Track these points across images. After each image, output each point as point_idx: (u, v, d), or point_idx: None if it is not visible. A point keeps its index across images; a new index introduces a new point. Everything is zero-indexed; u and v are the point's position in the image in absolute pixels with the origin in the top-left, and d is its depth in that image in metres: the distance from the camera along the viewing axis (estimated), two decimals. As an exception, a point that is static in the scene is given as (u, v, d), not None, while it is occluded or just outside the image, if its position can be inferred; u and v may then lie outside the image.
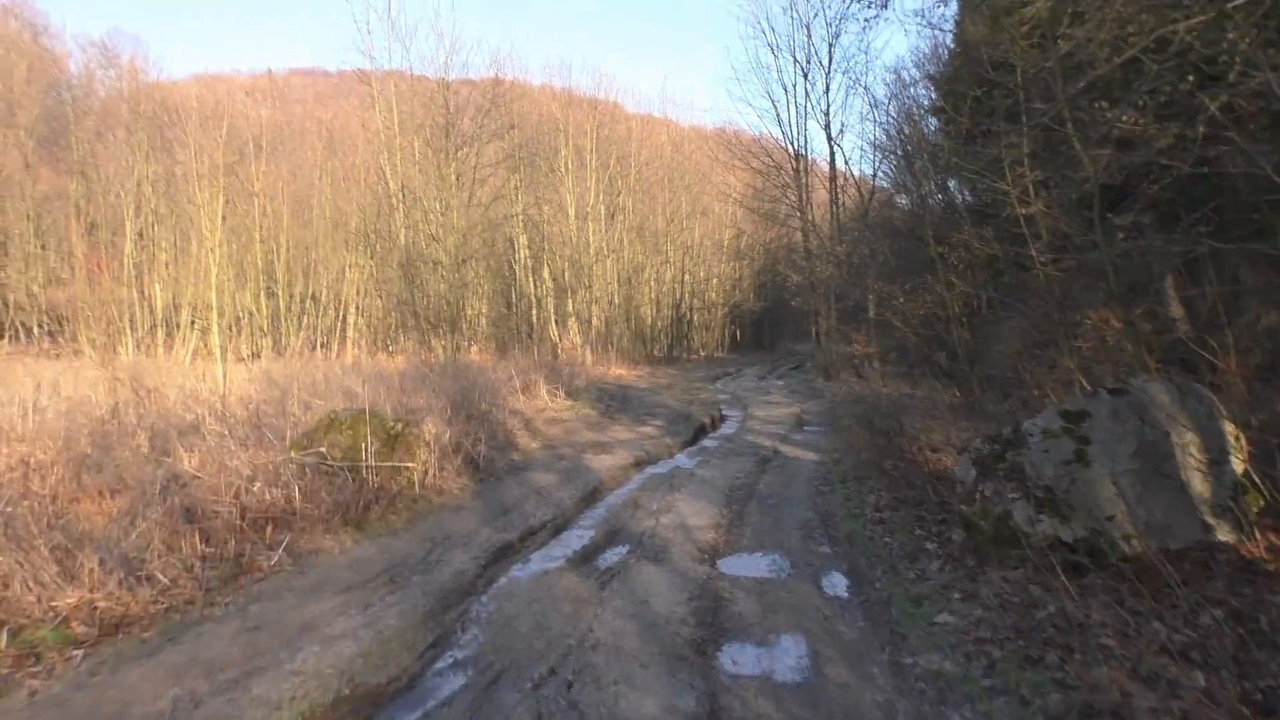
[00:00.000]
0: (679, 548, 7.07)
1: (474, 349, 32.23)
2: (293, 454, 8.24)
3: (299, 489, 7.49)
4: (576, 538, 7.62)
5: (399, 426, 8.90)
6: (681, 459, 12.44)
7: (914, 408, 15.03)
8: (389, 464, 8.53)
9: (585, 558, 6.88)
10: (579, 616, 5.32)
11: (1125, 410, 5.78)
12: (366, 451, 8.40)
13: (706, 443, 14.22)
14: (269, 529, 6.81)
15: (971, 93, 11.62)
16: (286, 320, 34.68)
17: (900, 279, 15.97)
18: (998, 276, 14.16)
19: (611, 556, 6.92)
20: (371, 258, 26.95)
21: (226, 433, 9.14)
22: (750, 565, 6.73)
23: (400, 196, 27.48)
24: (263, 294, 33.90)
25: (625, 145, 41.97)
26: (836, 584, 6.12)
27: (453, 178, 27.50)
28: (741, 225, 48.38)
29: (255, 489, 7.38)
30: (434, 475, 9.17)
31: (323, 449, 8.26)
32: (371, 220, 27.54)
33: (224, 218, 26.62)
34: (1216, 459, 5.76)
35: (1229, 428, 5.93)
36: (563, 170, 37.16)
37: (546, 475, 10.44)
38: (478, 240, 29.81)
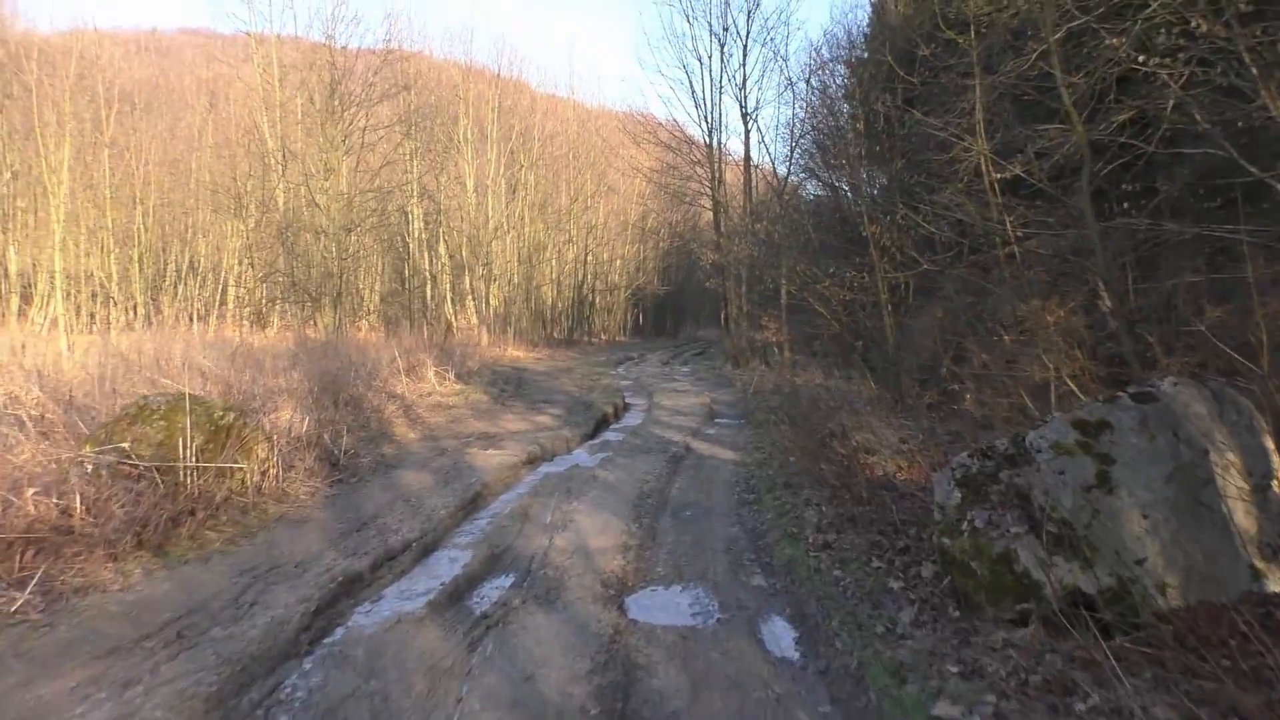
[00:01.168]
0: (577, 579, 5.56)
1: (363, 326, 30.07)
2: (87, 450, 6.42)
3: (81, 498, 5.68)
4: (448, 563, 6.03)
5: (229, 417, 7.11)
6: (581, 455, 10.92)
7: (834, 401, 13.89)
8: (214, 464, 6.76)
9: (455, 595, 5.30)
10: (434, 703, 3.76)
11: (1156, 421, 4.51)
12: (185, 448, 6.61)
13: (609, 436, 12.73)
14: (22, 555, 5.02)
15: (910, 59, 10.40)
16: (161, 290, 31.73)
17: (822, 262, 14.76)
18: (922, 263, 13.11)
19: (490, 593, 5.36)
20: (246, 223, 24.38)
21: (25, 419, 7.26)
22: (668, 605, 5.27)
23: (279, 157, 25.10)
24: (137, 262, 30.86)
25: (529, 118, 40.02)
26: (781, 638, 4.70)
27: (338, 139, 25.23)
28: (648, 205, 46.82)
29: (22, 498, 5.55)
30: (276, 477, 7.43)
31: (125, 445, 6.45)
32: (246, 183, 24.98)
33: (70, 171, 23.66)
34: (1260, 484, 4.55)
35: (1269, 443, 4.74)
36: (461, 141, 35.02)
37: (421, 475, 8.79)
38: (366, 209, 27.58)
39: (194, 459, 6.63)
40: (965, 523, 4.73)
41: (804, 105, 24.86)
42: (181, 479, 6.50)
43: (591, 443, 12.00)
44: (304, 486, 7.64)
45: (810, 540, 6.30)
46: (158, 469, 6.39)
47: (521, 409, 15.06)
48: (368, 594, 5.33)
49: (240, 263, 28.28)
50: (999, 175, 7.24)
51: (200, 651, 4.19)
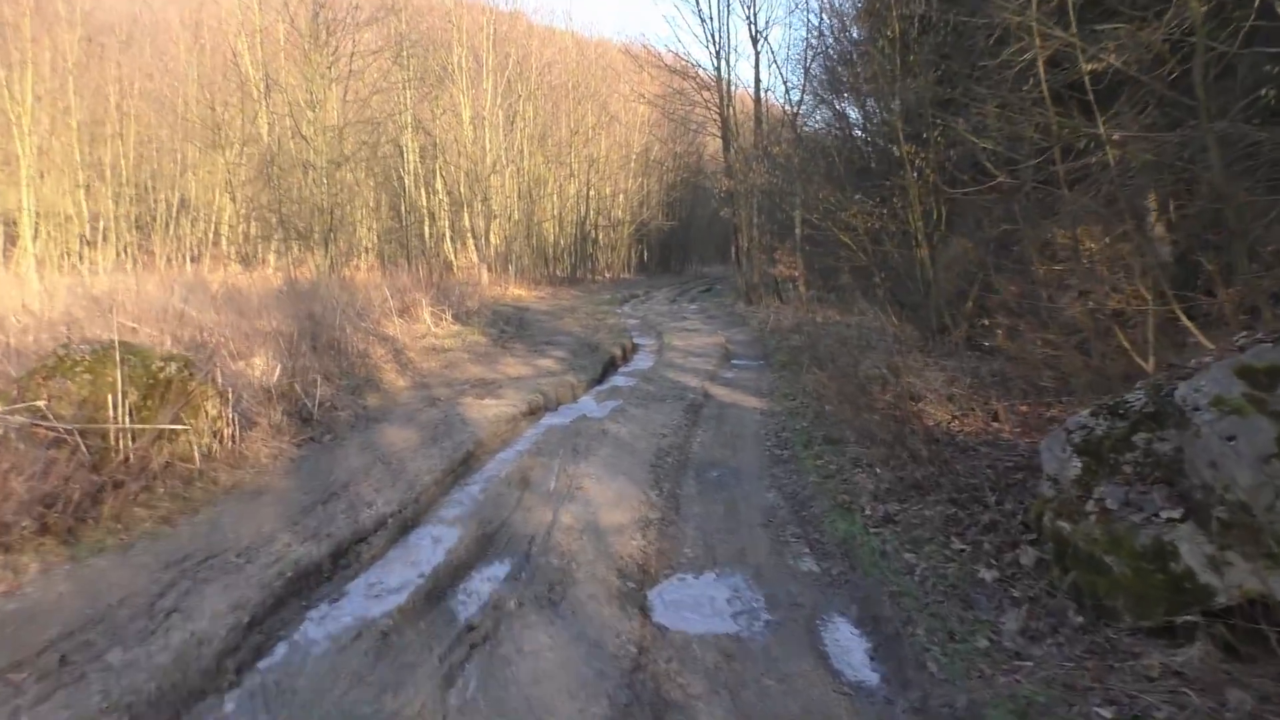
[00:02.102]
0: (588, 569, 4.48)
1: (360, 265, 28.85)
2: (-4, 409, 5.31)
3: (-25, 471, 4.60)
4: (430, 545, 4.96)
5: (171, 368, 5.97)
6: (588, 404, 9.83)
7: (861, 341, 12.78)
8: (150, 425, 5.65)
9: (435, 593, 4.23)
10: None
11: (1359, 368, 3.38)
12: (115, 407, 5.50)
13: (618, 380, 11.62)
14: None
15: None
16: (152, 229, 30.39)
17: (847, 189, 13.47)
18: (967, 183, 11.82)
19: (479, 588, 4.29)
20: (226, 156, 22.92)
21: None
22: (702, 602, 4.21)
23: (260, 86, 23.63)
24: (112, 199, 29.44)
25: (526, 45, 38.18)
26: (851, 651, 3.64)
27: (324, 67, 23.71)
28: (652, 135, 44.94)
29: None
30: (231, 438, 6.33)
31: (40, 403, 5.33)
32: (224, 112, 23.44)
33: (40, 103, 22.23)
34: None
35: None
36: (455, 70, 33.31)
37: (406, 431, 7.68)
38: (356, 141, 26.17)
39: (126, 419, 5.52)
40: (1091, 502, 3.62)
41: (815, 26, 23.30)
42: (110, 443, 5.40)
43: (599, 389, 10.90)
44: (266, 448, 6.54)
45: (868, 512, 5.19)
46: (80, 432, 5.28)
47: (523, 351, 13.94)
48: (327, 591, 4.26)
49: (234, 201, 26.84)
50: (1088, 68, 5.98)
51: (84, 688, 3.11)
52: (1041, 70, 8.37)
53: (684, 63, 26.29)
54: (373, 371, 10.76)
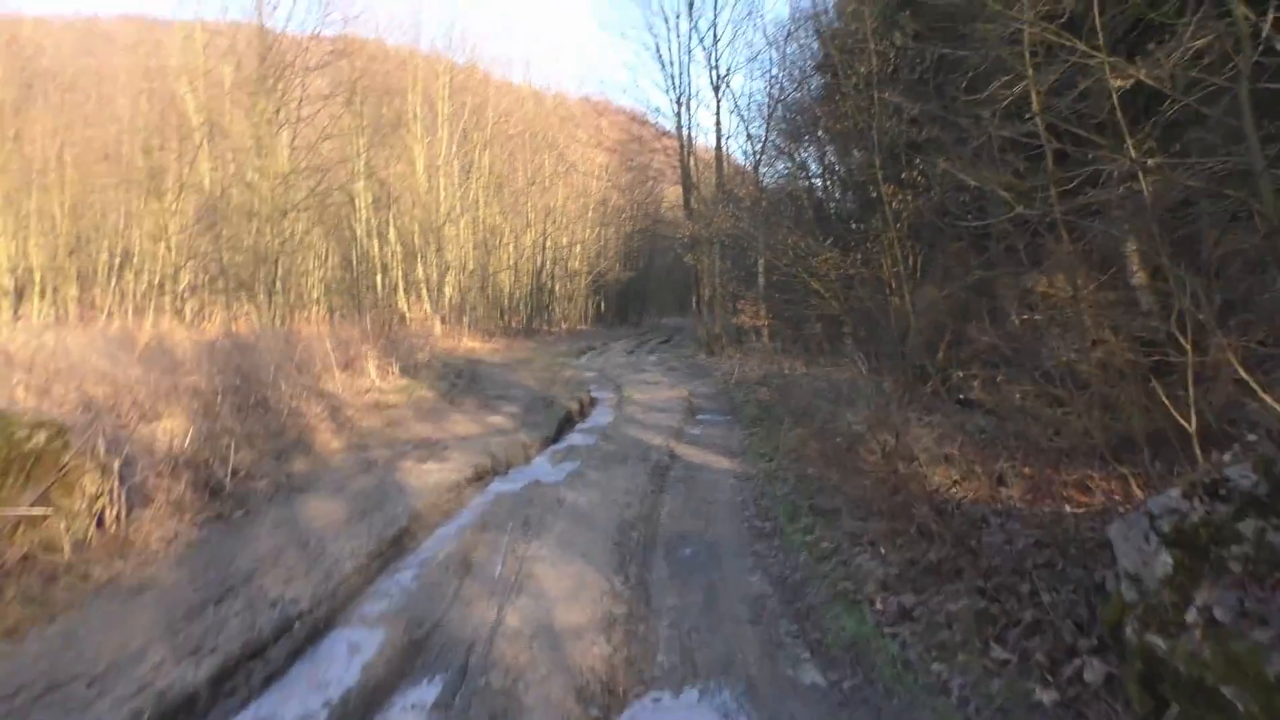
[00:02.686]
0: (539, 692, 3.54)
1: (309, 317, 27.76)
2: None
3: None
4: (343, 659, 4.01)
5: (39, 438, 4.97)
6: (543, 467, 8.92)
7: (834, 393, 12.04)
8: (4, 510, 4.64)
9: (342, 733, 3.30)
10: None
11: None
12: (-37, 486, 4.51)
13: (575, 439, 10.71)
14: None
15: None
16: (94, 282, 28.97)
17: (818, 235, 12.82)
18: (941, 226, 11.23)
19: (400, 724, 3.37)
20: (162, 202, 21.73)
21: None
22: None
23: (204, 132, 22.66)
24: (61, 251, 28.07)
25: (482, 93, 37.65)
26: (887, 814, 2.77)
27: (270, 111, 22.84)
28: (611, 183, 44.34)
29: None
30: (116, 519, 5.32)
31: None
32: (169, 161, 22.29)
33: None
34: None
35: None
36: (410, 118, 32.61)
37: (332, 503, 6.69)
38: (304, 189, 25.24)
39: (-25, 502, 4.52)
40: (1192, 610, 2.79)
41: (775, 75, 23.01)
42: (-49, 533, 4.40)
43: (555, 448, 9.99)
44: (159, 530, 5.52)
45: (878, 605, 4.31)
46: (-88, 520, 4.28)
47: (473, 408, 13.00)
48: (200, 731, 3.31)
49: (161, 247, 25.49)
50: (1117, 83, 5.31)
51: None
52: (1035, 102, 7.78)
53: (644, 109, 25.85)
54: (305, 432, 9.75)
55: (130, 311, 27.23)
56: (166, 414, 8.06)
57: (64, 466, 5.02)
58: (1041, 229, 9.37)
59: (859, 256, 11.66)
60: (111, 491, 5.33)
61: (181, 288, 21.56)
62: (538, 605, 4.47)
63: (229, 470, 6.90)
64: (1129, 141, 5.18)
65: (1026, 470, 6.80)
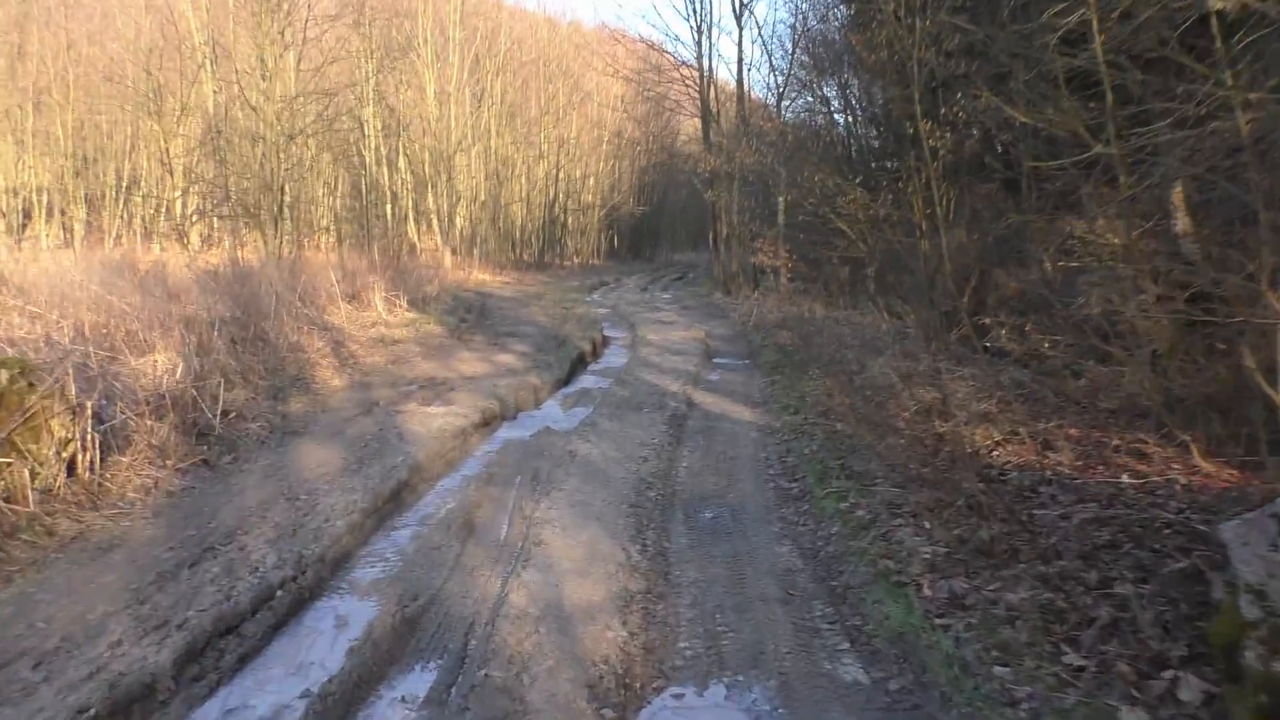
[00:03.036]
0: (545, 688, 3.09)
1: (318, 245, 27.30)
2: None
3: None
4: (328, 637, 3.60)
5: (1, 378, 4.53)
6: (554, 411, 8.50)
7: (857, 339, 11.56)
8: (-40, 456, 4.21)
9: (319, 733, 2.89)
10: None
11: None
12: (-87, 429, 4.06)
13: (588, 382, 10.28)
14: None
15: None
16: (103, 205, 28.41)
17: (845, 174, 12.17)
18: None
19: (386, 723, 2.96)
20: (163, 125, 21.00)
21: None
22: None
23: (206, 53, 21.87)
24: (67, 173, 27.46)
25: (495, 18, 36.48)
26: None
27: (275, 32, 21.99)
28: (626, 114, 43.14)
29: None
30: (89, 466, 4.89)
31: None
32: (169, 81, 21.51)
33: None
34: None
35: None
36: (420, 43, 31.57)
37: (328, 449, 6.26)
38: (311, 114, 24.50)
39: (-75, 448, 4.08)
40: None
41: (800, 4, 21.99)
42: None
43: (566, 392, 9.55)
44: (138, 477, 5.10)
45: (926, 591, 3.84)
46: None
47: (482, 344, 12.53)
48: (157, 724, 2.89)
49: (164, 171, 24.80)
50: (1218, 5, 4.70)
51: None
52: (1095, 28, 7.12)
53: (662, 36, 24.84)
54: (305, 368, 9.32)
55: (138, 236, 26.86)
56: (159, 347, 7.61)
57: (29, 409, 4.58)
58: (1090, 172, 8.79)
59: (889, 197, 11.03)
60: (85, 435, 4.89)
61: (188, 213, 20.92)
62: (546, 580, 4.03)
63: (219, 410, 6.47)
64: (1227, 73, 4.55)
65: (1073, 432, 6.31)
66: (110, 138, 29.00)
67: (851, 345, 11.19)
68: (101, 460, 4.99)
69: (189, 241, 20.22)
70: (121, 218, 27.88)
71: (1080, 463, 5.58)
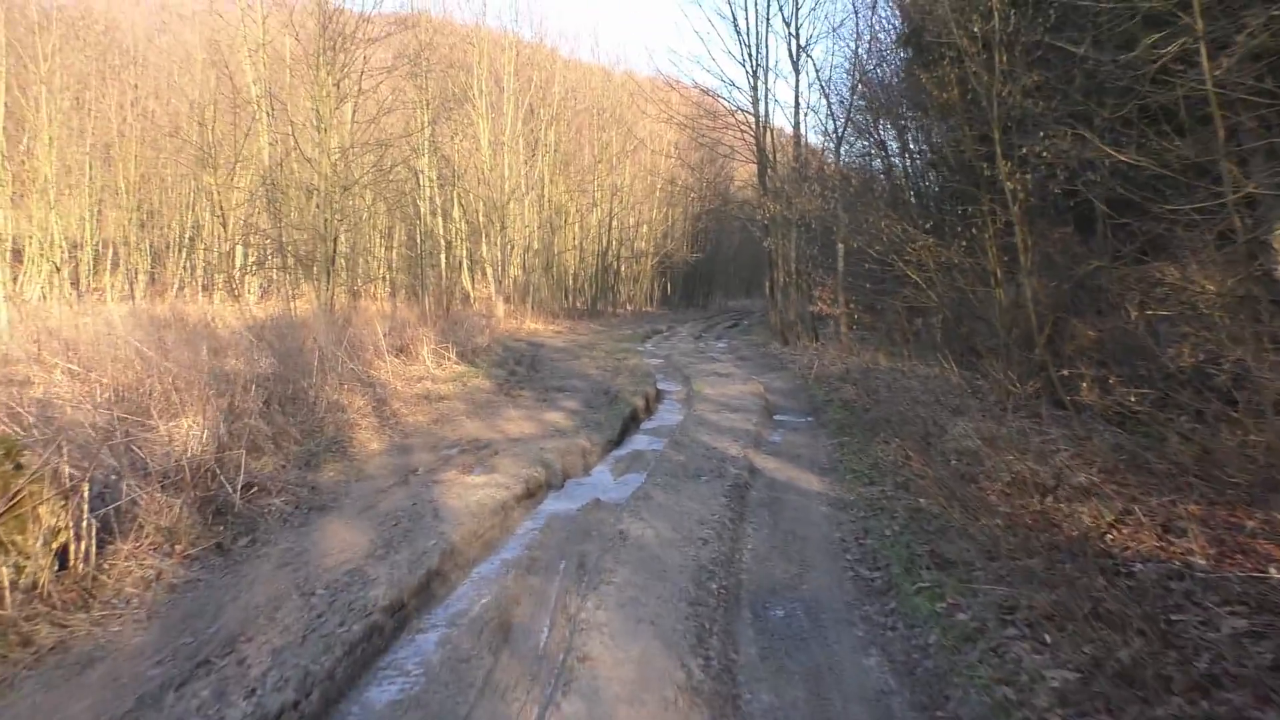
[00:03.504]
0: None
1: (375, 295, 27.28)
2: None
3: None
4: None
5: (-21, 461, 4.04)
6: (603, 478, 7.89)
7: (929, 394, 10.81)
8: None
9: None
10: None
11: None
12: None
13: (640, 442, 9.65)
14: None
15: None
16: (165, 256, 28.78)
17: (916, 219, 11.46)
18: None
19: None
20: (217, 178, 21.01)
21: None
22: None
23: (262, 105, 22.00)
24: (132, 224, 27.85)
25: (549, 68, 36.56)
26: None
27: (330, 84, 22.05)
28: (679, 160, 42.68)
29: None
30: (83, 557, 4.36)
31: None
32: (224, 135, 21.58)
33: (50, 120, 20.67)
34: None
35: None
36: (475, 93, 31.67)
37: (355, 529, 5.68)
38: (367, 164, 24.54)
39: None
40: None
41: (858, 47, 21.47)
42: None
43: (618, 454, 8.93)
44: (140, 568, 4.55)
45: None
46: None
47: (530, 401, 11.99)
48: None
49: (217, 222, 24.91)
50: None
51: None
52: (1205, 62, 6.47)
53: (718, 82, 24.42)
54: (344, 430, 8.84)
55: (200, 288, 27.07)
56: (189, 409, 7.15)
57: (15, 494, 4.07)
58: (1178, 214, 8.11)
59: (963, 244, 10.31)
60: (79, 522, 4.37)
61: (241, 265, 20.82)
62: (590, 710, 3.37)
63: (239, 484, 5.95)
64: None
65: (1194, 509, 5.51)
66: (173, 191, 29.44)
67: (923, 401, 10.44)
68: (99, 549, 4.47)
69: (242, 294, 20.06)
70: (185, 269, 28.14)
71: (1214, 550, 4.79)
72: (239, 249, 22.08)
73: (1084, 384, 8.86)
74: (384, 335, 14.27)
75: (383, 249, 31.85)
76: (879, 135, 19.28)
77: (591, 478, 7.94)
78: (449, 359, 15.54)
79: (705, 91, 25.42)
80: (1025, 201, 9.07)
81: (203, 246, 27.51)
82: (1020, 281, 9.79)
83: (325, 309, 20.92)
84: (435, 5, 32.08)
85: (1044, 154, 8.38)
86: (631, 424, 10.66)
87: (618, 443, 9.51)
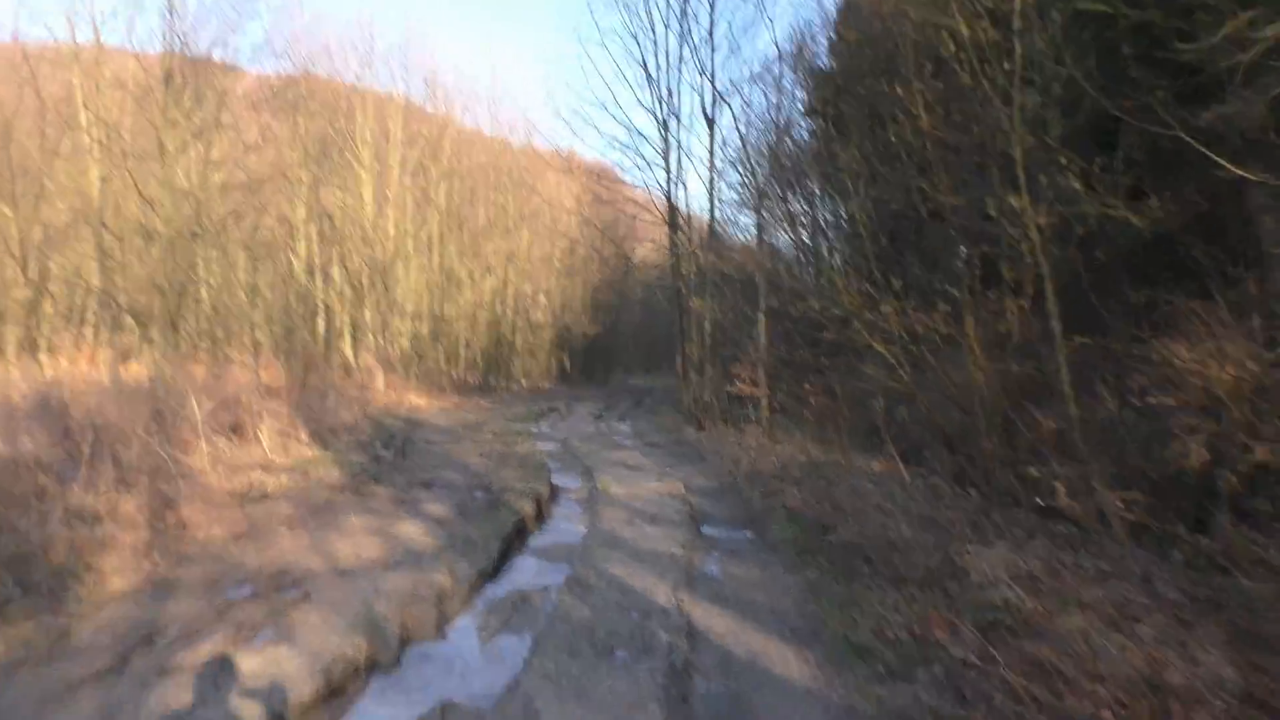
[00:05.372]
0: None
1: (242, 361, 24.03)
2: None
3: None
4: None
5: None
6: (465, 647, 5.12)
7: (896, 503, 8.58)
8: None
9: None
10: None
11: None
12: None
13: (526, 573, 6.92)
14: None
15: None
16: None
17: (878, 278, 9.20)
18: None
19: None
20: (14, 211, 17.36)
21: None
22: None
23: (95, 135, 18.82)
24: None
25: (443, 127, 34.05)
26: None
27: (180, 118, 19.03)
28: (580, 226, 40.02)
29: None
30: None
31: None
32: (26, 159, 18.10)
33: None
34: None
35: None
36: (358, 143, 28.92)
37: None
38: (222, 209, 21.50)
39: None
40: None
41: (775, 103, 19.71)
42: None
43: (493, 597, 6.18)
44: None
45: None
46: None
47: (386, 502, 9.16)
48: None
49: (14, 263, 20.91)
50: None
51: None
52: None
53: (627, 132, 22.29)
54: (80, 556, 5.90)
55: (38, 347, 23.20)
56: None
57: None
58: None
59: (947, 310, 8.09)
60: None
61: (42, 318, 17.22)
62: None
63: None
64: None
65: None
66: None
67: (890, 511, 8.12)
68: None
69: (46, 352, 16.49)
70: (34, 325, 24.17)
71: None
72: (44, 298, 18.49)
73: (1057, 483, 7.17)
74: (203, 410, 11.26)
75: (256, 307, 28.28)
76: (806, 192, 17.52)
77: (448, 643, 5.16)
78: (298, 440, 12.63)
79: (612, 141, 23.24)
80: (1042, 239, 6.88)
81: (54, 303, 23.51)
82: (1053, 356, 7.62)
83: (166, 370, 17.67)
84: (321, 62, 28.80)
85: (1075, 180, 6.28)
86: (516, 540, 7.91)
87: (494, 572, 6.76)
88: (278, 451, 11.78)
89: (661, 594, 5.89)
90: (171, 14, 18.28)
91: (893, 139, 8.19)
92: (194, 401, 10.90)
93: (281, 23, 29.02)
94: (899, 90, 8.03)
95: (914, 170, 8.78)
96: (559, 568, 6.90)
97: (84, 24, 18.99)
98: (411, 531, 7.65)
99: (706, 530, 8.55)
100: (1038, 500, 7.34)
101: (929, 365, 9.13)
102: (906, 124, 7.90)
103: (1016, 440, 8.55)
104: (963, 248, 9.54)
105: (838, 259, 16.25)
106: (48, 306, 18.70)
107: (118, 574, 5.76)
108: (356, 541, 7.17)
